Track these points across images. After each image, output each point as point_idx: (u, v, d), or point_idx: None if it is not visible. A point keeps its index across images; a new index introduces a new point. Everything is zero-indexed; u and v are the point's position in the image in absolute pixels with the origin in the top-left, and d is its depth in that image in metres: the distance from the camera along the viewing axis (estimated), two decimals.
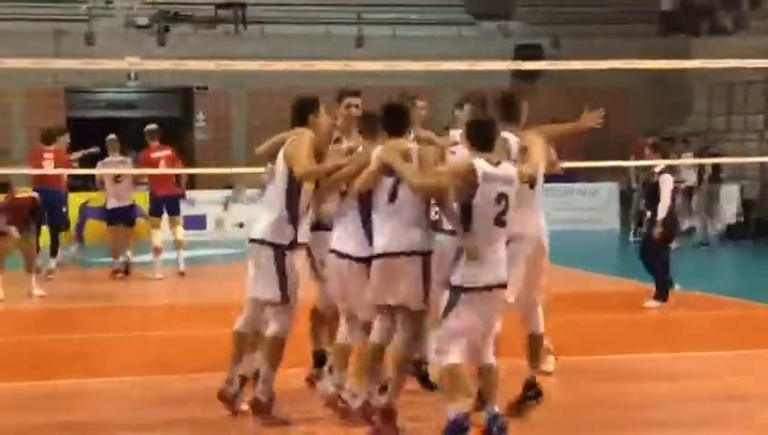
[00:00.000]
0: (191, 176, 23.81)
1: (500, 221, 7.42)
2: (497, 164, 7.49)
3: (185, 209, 19.56)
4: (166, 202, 18.09)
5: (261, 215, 8.41)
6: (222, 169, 24.06)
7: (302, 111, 8.43)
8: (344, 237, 8.04)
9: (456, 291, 7.40)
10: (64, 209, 18.42)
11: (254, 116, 28.83)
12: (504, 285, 7.51)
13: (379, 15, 32.17)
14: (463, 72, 14.19)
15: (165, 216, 18.12)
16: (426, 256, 7.76)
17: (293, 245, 8.22)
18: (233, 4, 31.58)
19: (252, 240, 8.31)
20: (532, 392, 8.45)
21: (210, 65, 14.75)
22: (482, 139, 7.54)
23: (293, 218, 8.17)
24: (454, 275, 7.43)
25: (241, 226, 24.44)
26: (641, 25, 32.79)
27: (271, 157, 8.58)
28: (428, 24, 32.38)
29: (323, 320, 9.05)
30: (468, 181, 7.37)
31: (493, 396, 7.56)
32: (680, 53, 27.68)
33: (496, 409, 7.53)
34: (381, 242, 7.78)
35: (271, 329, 8.23)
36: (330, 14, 31.86)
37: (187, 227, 19.62)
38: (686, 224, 22.02)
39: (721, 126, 28.91)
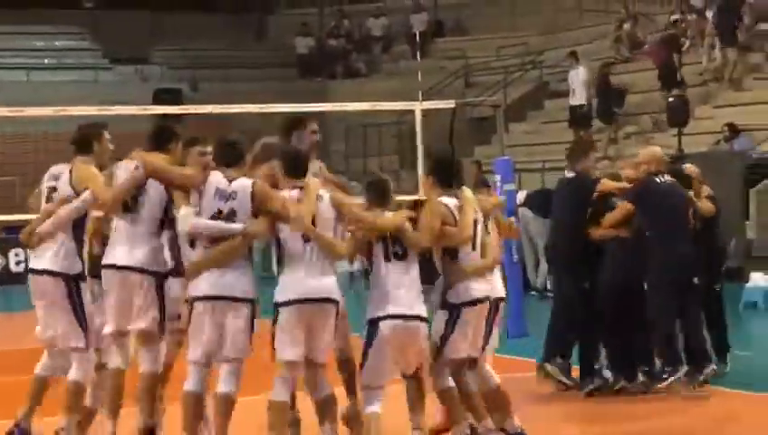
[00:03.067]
0: None
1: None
2: None
3: None
4: None
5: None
6: None
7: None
8: None
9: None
10: None
11: None
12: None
13: (12, 60, 31.27)
14: (100, 118, 13.85)
15: None
16: None
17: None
18: None
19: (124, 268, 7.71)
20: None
21: None
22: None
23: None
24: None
25: None
26: (280, 69, 33.34)
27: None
28: (64, 68, 31.74)
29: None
30: None
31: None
32: (318, 95, 28.31)
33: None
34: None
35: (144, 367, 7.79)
36: None
37: None
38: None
39: (359, 167, 29.70)
